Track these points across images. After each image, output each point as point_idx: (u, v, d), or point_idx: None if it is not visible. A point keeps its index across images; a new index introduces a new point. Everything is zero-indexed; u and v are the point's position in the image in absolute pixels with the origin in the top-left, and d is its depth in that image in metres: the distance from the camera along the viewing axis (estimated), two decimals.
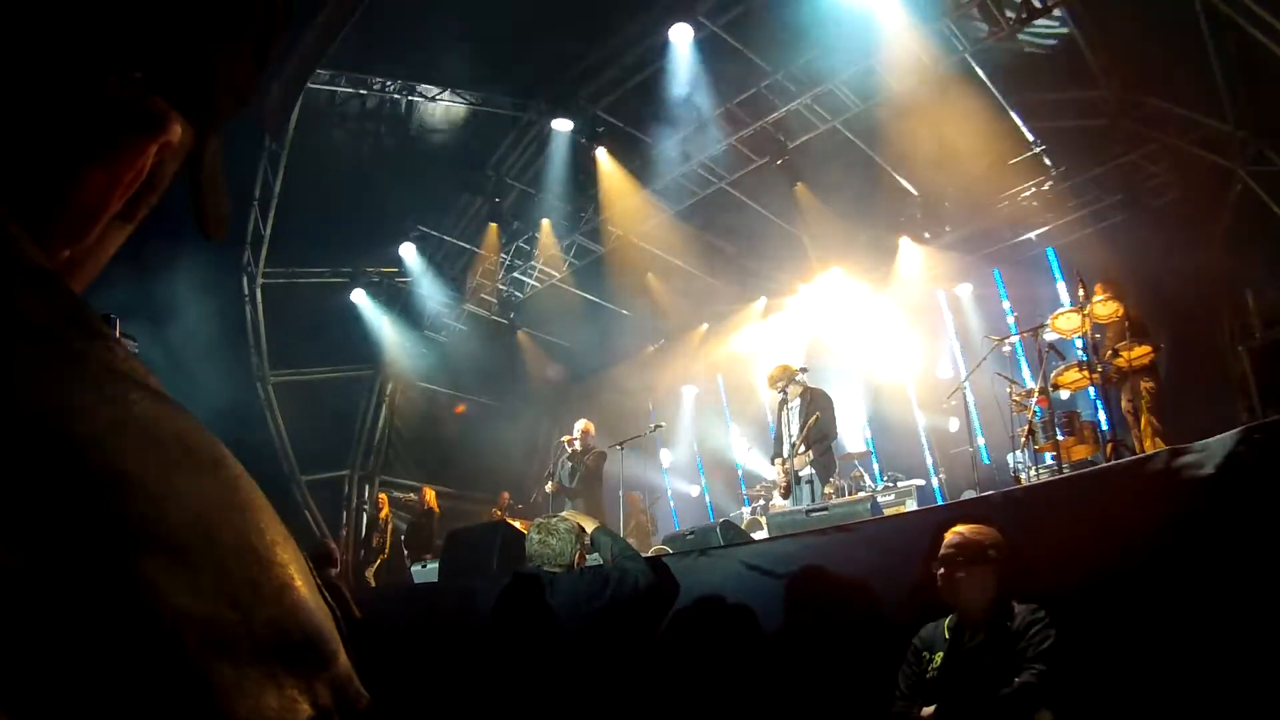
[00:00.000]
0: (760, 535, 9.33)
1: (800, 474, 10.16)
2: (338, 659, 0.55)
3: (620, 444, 11.95)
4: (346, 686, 0.54)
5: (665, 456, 19.83)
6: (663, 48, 13.28)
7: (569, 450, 11.89)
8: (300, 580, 0.54)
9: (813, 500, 9.74)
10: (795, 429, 10.36)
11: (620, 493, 12.01)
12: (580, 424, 12.01)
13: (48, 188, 0.64)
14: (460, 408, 20.48)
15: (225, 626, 0.47)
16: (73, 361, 0.52)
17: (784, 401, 10.64)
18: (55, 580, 0.43)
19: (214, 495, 0.52)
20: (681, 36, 12.95)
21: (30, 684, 0.41)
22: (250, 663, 0.48)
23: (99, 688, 0.43)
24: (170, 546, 0.48)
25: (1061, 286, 14.55)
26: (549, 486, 12.08)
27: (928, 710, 4.26)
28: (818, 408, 10.31)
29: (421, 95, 14.58)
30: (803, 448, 10.17)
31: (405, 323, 18.87)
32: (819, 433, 10.18)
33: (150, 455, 0.50)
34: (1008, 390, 10.37)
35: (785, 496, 10.22)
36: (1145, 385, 9.02)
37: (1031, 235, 15.18)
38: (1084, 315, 9.19)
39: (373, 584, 15.07)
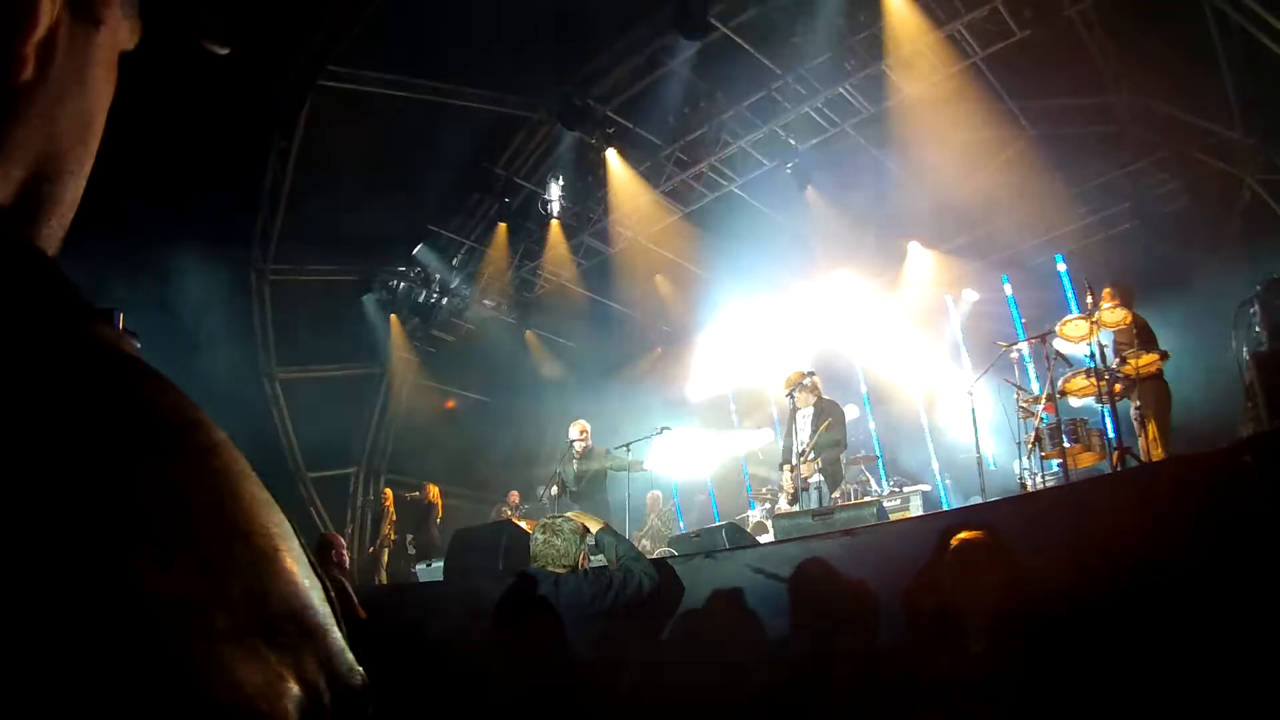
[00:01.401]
0: (766, 538, 9.34)
1: (809, 480, 10.15)
2: (328, 633, 0.54)
3: (626, 445, 11.94)
4: (336, 661, 0.53)
5: (671, 458, 19.81)
6: (673, 49, 13.27)
7: (577, 451, 11.86)
8: (284, 548, 0.53)
9: (820, 505, 9.72)
10: (806, 436, 10.35)
11: (627, 493, 11.98)
12: (579, 424, 11.96)
13: None
14: (450, 403, 20.44)
15: (199, 599, 0.47)
16: (43, 329, 0.51)
17: (795, 409, 10.63)
18: (24, 557, 0.43)
19: (187, 461, 0.51)
20: (693, 38, 12.93)
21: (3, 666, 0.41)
22: (229, 637, 0.47)
23: (71, 665, 0.42)
24: (138, 515, 0.47)
25: (1070, 293, 14.54)
26: (554, 489, 12.08)
27: (933, 716, 4.26)
28: (829, 416, 10.30)
29: (432, 94, 14.57)
30: (812, 454, 10.16)
31: (413, 321, 18.87)
32: (829, 440, 10.16)
33: (120, 420, 0.50)
34: (1015, 396, 10.37)
35: (792, 504, 10.20)
36: (1153, 393, 9.00)
37: (1040, 241, 15.17)
38: (1092, 322, 9.16)
39: (384, 580, 15.09)
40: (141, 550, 0.46)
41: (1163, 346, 9.18)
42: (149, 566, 0.46)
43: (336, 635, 0.54)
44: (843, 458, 10.58)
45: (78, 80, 0.69)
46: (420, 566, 11.99)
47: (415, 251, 17.64)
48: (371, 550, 16.45)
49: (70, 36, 0.66)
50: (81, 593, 0.43)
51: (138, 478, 0.48)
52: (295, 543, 0.54)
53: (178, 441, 0.52)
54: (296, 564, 0.53)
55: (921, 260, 16.17)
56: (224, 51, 0.81)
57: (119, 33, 0.73)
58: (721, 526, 8.45)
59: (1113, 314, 9.16)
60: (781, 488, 10.82)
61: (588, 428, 11.92)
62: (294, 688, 0.49)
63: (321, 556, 8.26)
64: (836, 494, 10.32)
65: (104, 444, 0.48)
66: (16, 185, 0.64)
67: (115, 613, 0.44)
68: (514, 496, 16.81)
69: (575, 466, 11.70)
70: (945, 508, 12.20)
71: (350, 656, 0.55)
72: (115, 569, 0.45)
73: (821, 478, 10.07)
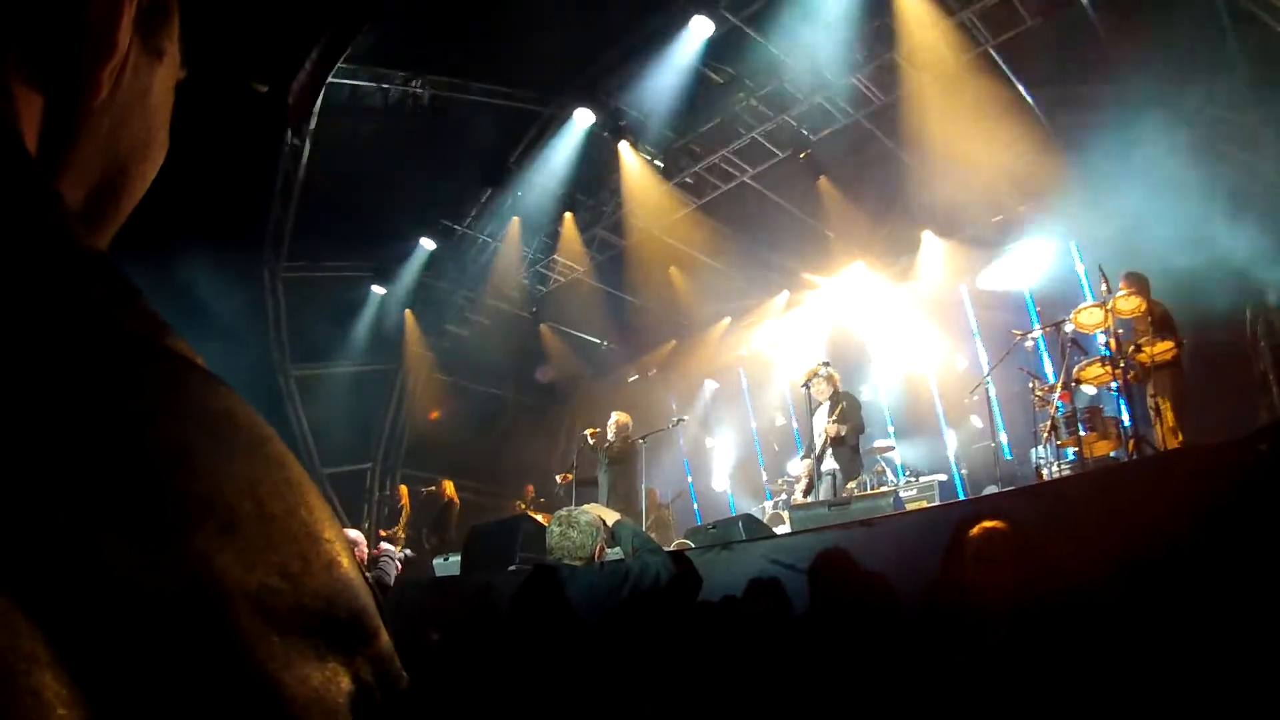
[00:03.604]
0: (782, 530, 9.34)
1: (823, 469, 10.14)
2: (380, 637, 0.55)
3: (642, 437, 11.97)
4: (388, 664, 0.55)
5: (686, 450, 19.84)
6: (685, 40, 13.26)
7: (591, 442, 11.94)
8: (345, 557, 0.55)
9: (834, 495, 9.72)
10: (822, 429, 10.35)
11: (642, 486, 12.01)
12: (613, 416, 12.05)
13: (55, 10, 0.65)
14: (434, 414, 20.40)
15: (274, 598, 0.49)
16: (128, 340, 0.53)
17: (813, 402, 10.62)
18: (112, 550, 0.45)
19: (263, 470, 0.53)
20: (703, 29, 12.93)
21: (88, 652, 0.42)
22: (297, 634, 0.49)
23: (151, 655, 0.44)
24: (222, 517, 0.49)
25: (1085, 281, 14.50)
26: (559, 479, 12.15)
27: (950, 707, 4.26)
28: (843, 403, 10.29)
29: (444, 89, 14.59)
30: (829, 443, 10.15)
31: (427, 316, 18.93)
32: (844, 426, 10.14)
33: (203, 429, 0.52)
34: (1030, 385, 10.34)
35: (806, 494, 10.19)
36: (1168, 381, 8.97)
37: (1055, 229, 15.12)
38: (1107, 310, 9.15)
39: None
40: (227, 548, 0.48)
41: (1178, 335, 9.14)
42: (234, 564, 0.48)
43: (386, 639, 0.56)
44: (860, 445, 10.52)
45: (141, 105, 0.75)
46: (437, 561, 12.04)
47: (429, 246, 17.68)
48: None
49: (137, 66, 0.73)
50: (167, 586, 0.45)
51: (224, 482, 0.51)
52: (350, 549, 0.56)
53: (257, 451, 0.55)
54: (354, 571, 0.55)
55: (935, 250, 16.13)
56: (264, 89, 0.88)
57: (176, 66, 0.79)
58: (738, 518, 8.46)
59: (1128, 302, 9.14)
60: (797, 477, 10.82)
61: (627, 420, 12.00)
62: (350, 685, 0.51)
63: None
64: (852, 484, 10.31)
65: (190, 448, 0.51)
66: (82, 199, 0.71)
67: (198, 606, 0.46)
68: (530, 490, 16.87)
69: (608, 458, 11.77)
70: (961, 498, 12.20)
71: (398, 661, 0.57)
72: (200, 565, 0.47)
73: (836, 466, 10.06)
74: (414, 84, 14.39)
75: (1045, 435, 9.66)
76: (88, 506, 0.45)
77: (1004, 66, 12.61)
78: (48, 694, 0.40)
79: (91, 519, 0.45)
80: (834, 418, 10.10)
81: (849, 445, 10.18)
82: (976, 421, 14.19)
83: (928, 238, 16.12)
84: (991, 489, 10.63)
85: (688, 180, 15.79)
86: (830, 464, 10.08)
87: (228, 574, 0.47)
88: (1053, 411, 9.59)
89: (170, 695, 0.44)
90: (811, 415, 10.62)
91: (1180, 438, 8.58)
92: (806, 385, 10.59)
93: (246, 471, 0.52)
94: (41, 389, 0.48)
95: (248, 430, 0.55)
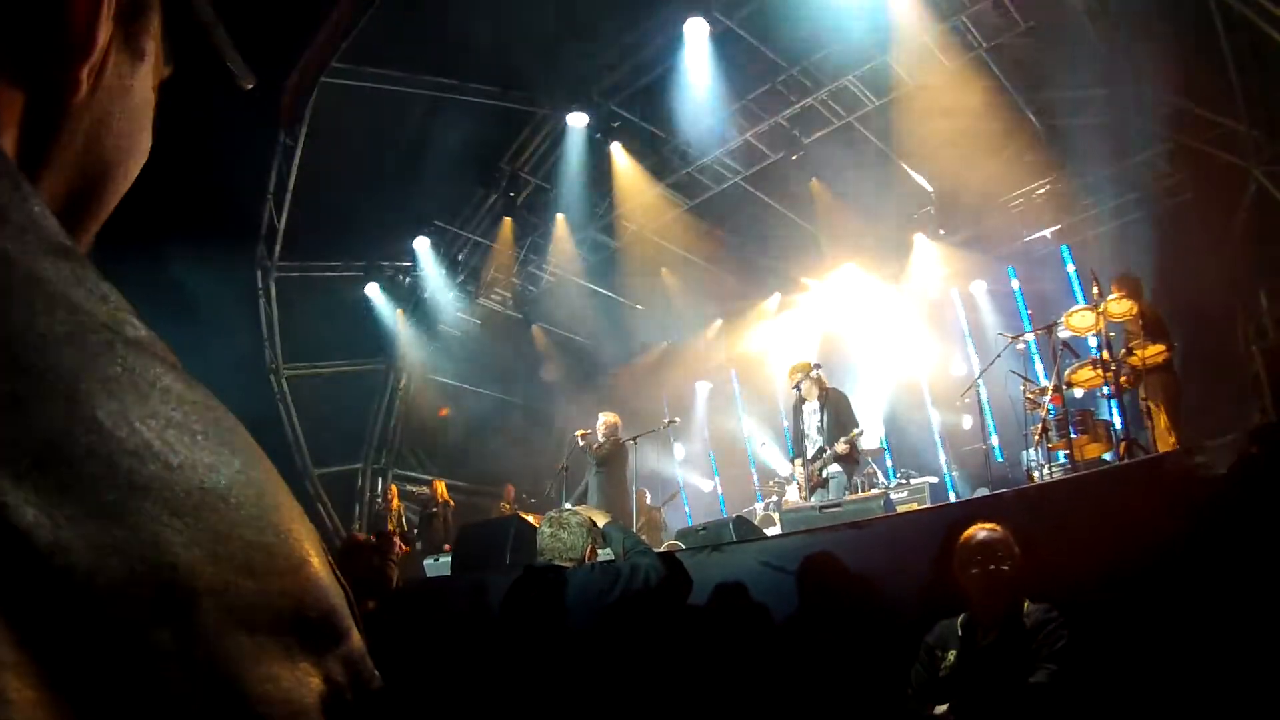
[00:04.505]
0: (773, 531, 9.34)
1: (826, 474, 10.10)
2: (351, 636, 0.55)
3: (633, 439, 11.95)
4: (360, 664, 0.55)
5: (679, 452, 19.83)
6: (678, 42, 13.27)
7: (581, 443, 11.94)
8: (315, 555, 0.54)
9: (842, 495, 9.69)
10: (813, 430, 10.33)
11: (633, 487, 11.98)
12: (601, 417, 12.02)
13: (32, 8, 0.64)
14: (444, 410, 20.38)
15: (241, 595, 0.48)
16: (99, 334, 0.53)
17: (801, 401, 10.62)
18: (78, 543, 0.44)
19: (232, 466, 0.53)
20: (697, 31, 12.95)
21: (54, 651, 0.42)
22: (266, 633, 0.48)
23: (117, 653, 0.43)
24: (190, 513, 0.48)
25: (1076, 284, 14.54)
26: (551, 492, 12.14)
27: (940, 709, 4.26)
28: (836, 406, 10.28)
29: (437, 90, 14.58)
30: (827, 452, 10.11)
31: (419, 317, 18.88)
32: (840, 430, 10.13)
33: (170, 422, 0.51)
34: (1021, 388, 10.33)
35: (807, 499, 10.16)
36: (1160, 384, 8.98)
37: (1046, 233, 15.16)
38: (1098, 313, 9.14)
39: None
40: (193, 543, 0.47)
41: (1169, 338, 9.14)
42: (199, 559, 0.47)
43: (358, 638, 0.56)
44: (859, 441, 10.46)
45: (122, 104, 0.74)
46: (428, 561, 11.99)
47: (421, 247, 17.66)
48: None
49: (118, 65, 0.72)
50: (131, 582, 0.45)
51: (190, 474, 0.50)
52: (321, 547, 0.56)
53: (225, 444, 0.54)
54: (325, 570, 0.55)
55: (927, 252, 16.15)
56: (250, 85, 0.87)
57: (158, 65, 0.79)
58: (729, 519, 8.45)
59: (1119, 305, 9.14)
60: (789, 478, 10.79)
61: (615, 421, 11.97)
62: (321, 686, 0.51)
63: (376, 554, 8.29)
64: (858, 479, 10.30)
65: (158, 442, 0.50)
66: (62, 198, 0.70)
67: (163, 603, 0.45)
68: (510, 489, 16.81)
69: (596, 459, 11.76)
70: (953, 500, 12.21)
71: (369, 661, 0.56)
72: (165, 561, 0.46)
73: (840, 468, 10.04)
74: (408, 84, 14.38)
75: (1036, 438, 9.65)
76: (54, 500, 0.45)
77: (996, 70, 12.62)
78: (12, 695, 0.40)
79: (57, 513, 0.44)
80: (840, 443, 10.02)
81: (848, 445, 10.14)
82: (968, 424, 14.21)
83: (919, 240, 16.14)
84: (983, 491, 10.64)
85: (680, 181, 15.79)
86: (834, 468, 10.04)
87: (192, 569, 0.47)
88: (1044, 414, 9.58)
89: (139, 695, 0.44)
90: (800, 416, 10.62)
91: (1171, 440, 8.59)
92: (797, 386, 10.60)
93: (216, 467, 0.52)
94: (7, 381, 0.47)
95: (218, 425, 0.55)
